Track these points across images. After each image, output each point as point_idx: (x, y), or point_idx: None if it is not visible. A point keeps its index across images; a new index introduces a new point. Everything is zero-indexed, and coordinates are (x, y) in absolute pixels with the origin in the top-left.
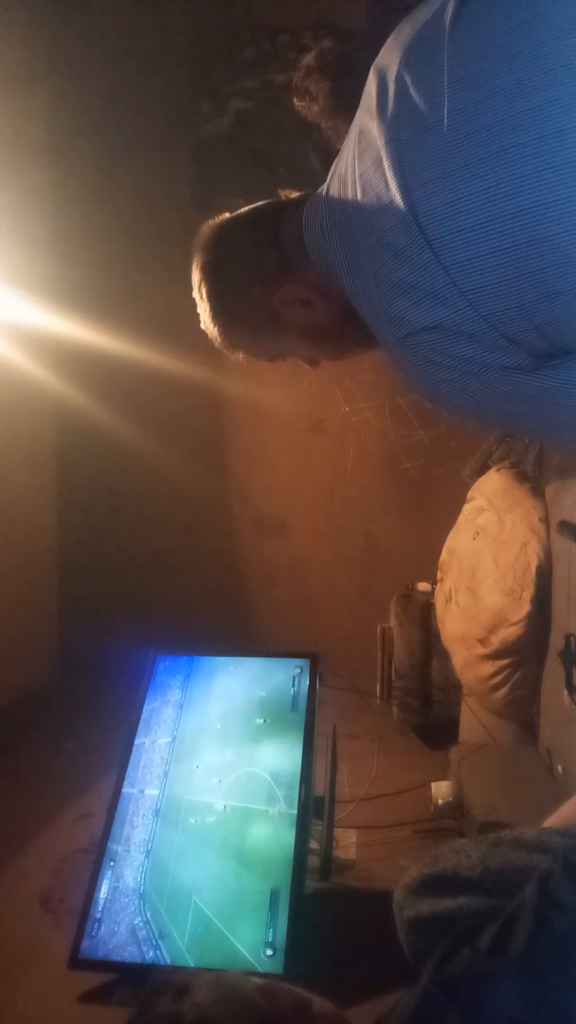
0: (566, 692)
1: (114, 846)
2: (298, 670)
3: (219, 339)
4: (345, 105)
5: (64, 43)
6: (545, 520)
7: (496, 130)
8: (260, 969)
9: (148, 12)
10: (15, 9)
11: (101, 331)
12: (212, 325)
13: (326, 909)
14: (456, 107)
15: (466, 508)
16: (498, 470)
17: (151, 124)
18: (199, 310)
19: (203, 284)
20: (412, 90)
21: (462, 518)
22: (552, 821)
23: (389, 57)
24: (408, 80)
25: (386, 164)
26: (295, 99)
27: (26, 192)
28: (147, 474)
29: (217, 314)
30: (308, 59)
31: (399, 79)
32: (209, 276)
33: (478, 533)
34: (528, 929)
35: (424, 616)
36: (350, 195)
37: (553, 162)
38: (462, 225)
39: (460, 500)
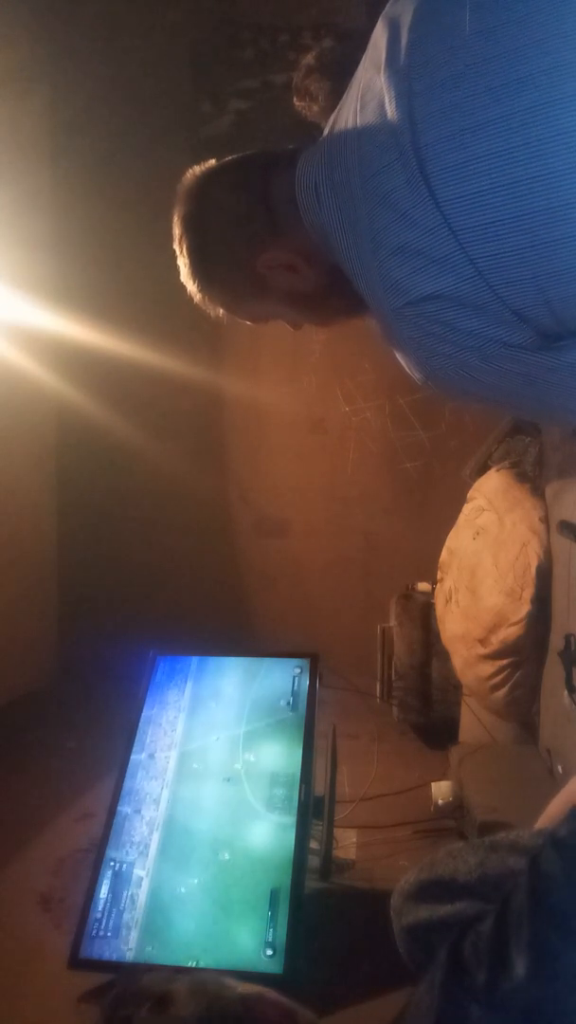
0: (566, 692)
1: (114, 846)
2: (298, 670)
3: (198, 296)
4: None
5: (64, 43)
6: (545, 520)
7: (521, 87)
8: (259, 969)
9: (148, 12)
10: (15, 9)
11: (101, 331)
12: (191, 282)
13: (326, 909)
14: (477, 60)
15: (466, 508)
16: (498, 470)
17: (151, 124)
18: (179, 263)
19: (183, 238)
20: (428, 41)
21: (462, 518)
22: (542, 822)
23: (402, 5)
24: (424, 30)
25: (394, 119)
26: (295, 99)
27: (26, 192)
28: (147, 474)
29: (197, 272)
30: (308, 59)
31: (414, 28)
32: (190, 230)
33: (478, 533)
34: (525, 904)
35: (424, 616)
36: (350, 152)
37: None
38: (477, 188)
39: (460, 500)
